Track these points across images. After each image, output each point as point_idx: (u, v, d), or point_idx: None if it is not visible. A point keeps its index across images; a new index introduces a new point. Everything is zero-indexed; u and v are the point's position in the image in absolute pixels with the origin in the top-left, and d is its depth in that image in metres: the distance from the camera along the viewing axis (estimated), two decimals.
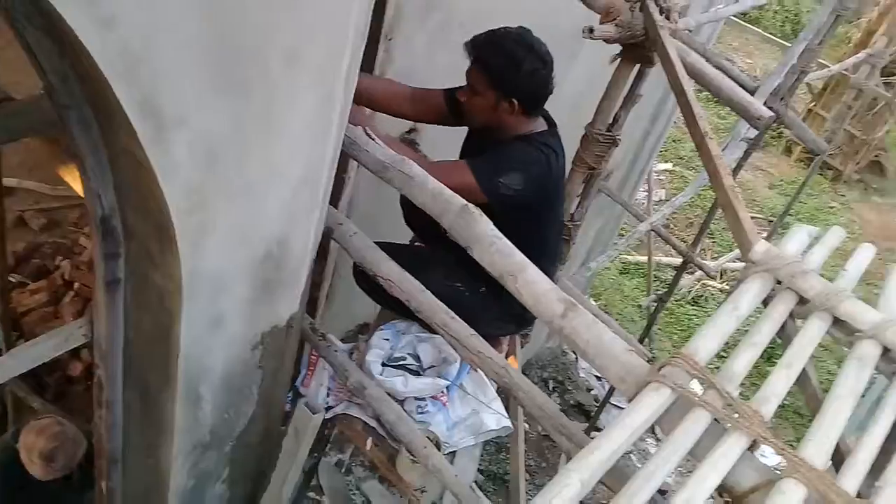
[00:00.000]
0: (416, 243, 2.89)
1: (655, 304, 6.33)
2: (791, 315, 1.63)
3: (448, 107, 2.53)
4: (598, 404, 6.47)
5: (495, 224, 1.84)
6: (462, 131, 2.67)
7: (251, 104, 1.45)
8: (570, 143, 2.74)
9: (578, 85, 4.52)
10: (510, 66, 2.22)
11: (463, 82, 2.37)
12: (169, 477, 2.16)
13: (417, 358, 2.62)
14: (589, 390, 7.28)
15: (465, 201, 1.85)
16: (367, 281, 2.56)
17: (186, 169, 1.43)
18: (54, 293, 4.08)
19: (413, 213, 2.79)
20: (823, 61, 8.83)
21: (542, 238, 2.49)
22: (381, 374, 2.46)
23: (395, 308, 2.60)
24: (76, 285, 4.12)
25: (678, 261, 6.55)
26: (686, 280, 9.34)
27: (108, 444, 2.22)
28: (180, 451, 2.11)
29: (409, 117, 2.68)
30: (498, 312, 2.46)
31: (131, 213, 1.66)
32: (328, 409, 2.53)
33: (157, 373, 1.96)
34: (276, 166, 1.66)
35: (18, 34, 1.22)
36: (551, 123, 2.48)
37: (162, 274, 1.70)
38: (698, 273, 8.79)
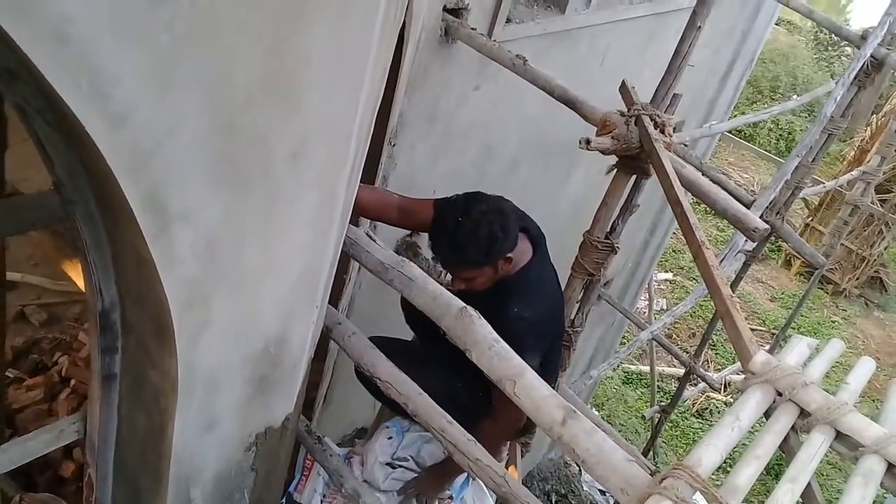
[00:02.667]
0: (417, 341, 2.87)
1: (659, 416, 6.22)
2: (794, 428, 1.61)
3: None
4: None
5: None
6: None
7: (254, 201, 1.48)
8: (570, 249, 2.78)
9: (577, 192, 4.63)
10: (483, 247, 2.24)
11: (462, 187, 2.43)
12: None
13: (421, 463, 2.56)
14: None
15: (463, 304, 1.85)
16: (368, 379, 2.54)
17: (188, 264, 1.44)
18: (50, 389, 4.02)
19: (414, 315, 2.79)
20: (818, 178, 9.03)
21: (556, 359, 2.52)
22: (384, 481, 2.40)
23: (394, 407, 2.56)
24: (73, 382, 4.07)
25: (681, 371, 6.48)
26: (690, 392, 9.21)
27: None
28: None
29: (399, 226, 2.71)
30: None
31: (131, 308, 1.66)
32: None
33: (148, 474, 1.91)
34: (276, 263, 1.67)
35: (31, 130, 1.26)
36: (536, 243, 2.46)
37: (158, 371, 1.69)
38: (702, 385, 8.69)
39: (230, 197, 1.41)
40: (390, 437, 2.54)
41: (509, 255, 2.31)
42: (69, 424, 1.99)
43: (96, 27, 1.01)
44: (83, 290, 1.70)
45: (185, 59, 1.14)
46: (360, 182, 2.07)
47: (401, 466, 2.49)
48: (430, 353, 2.49)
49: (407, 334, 2.89)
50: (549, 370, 2.55)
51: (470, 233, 2.23)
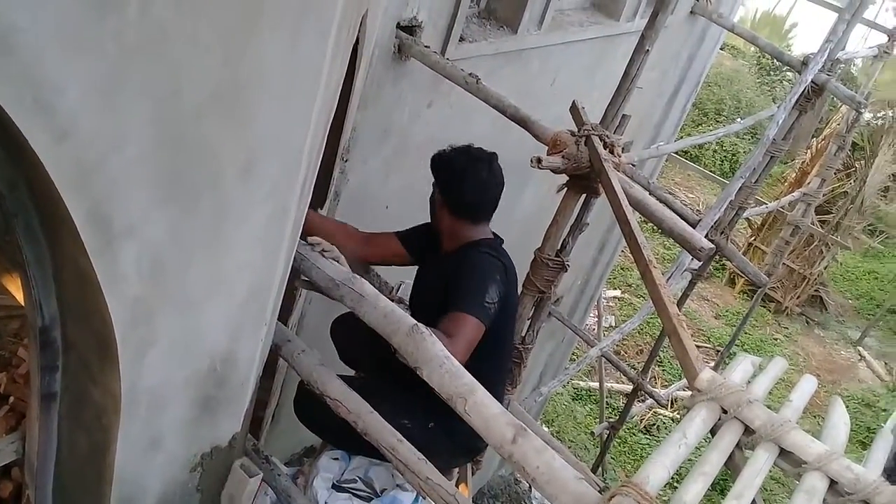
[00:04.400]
0: (361, 375, 2.83)
1: (608, 432, 6.28)
2: (739, 445, 1.64)
3: (406, 246, 2.66)
4: None
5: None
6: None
7: (202, 217, 1.45)
8: (521, 267, 2.79)
9: (528, 210, 4.67)
10: (452, 176, 2.46)
11: (415, 203, 2.47)
12: None
13: (368, 483, 2.52)
14: None
15: (414, 321, 1.85)
16: (306, 411, 2.51)
17: (132, 281, 1.40)
18: None
19: (346, 349, 2.78)
20: (761, 198, 9.28)
21: (504, 340, 2.54)
22: (327, 500, 2.35)
23: (336, 442, 2.54)
24: (11, 399, 3.92)
25: (629, 388, 6.57)
26: (637, 408, 9.32)
27: None
28: None
29: (360, 258, 2.71)
30: (449, 447, 2.40)
31: (72, 325, 1.61)
32: None
33: (89, 495, 1.85)
34: (224, 280, 1.64)
35: None
36: (496, 236, 2.59)
37: (101, 389, 1.64)
38: (649, 401, 8.81)
39: (177, 213, 1.38)
40: (336, 459, 2.50)
41: (456, 212, 2.46)
42: (7, 444, 1.92)
43: (41, 38, 0.98)
44: (22, 304, 1.65)
45: (132, 71, 1.12)
46: (313, 198, 2.07)
47: (349, 490, 2.45)
48: (374, 388, 2.47)
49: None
50: (507, 335, 2.56)
51: (454, 157, 2.49)
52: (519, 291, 2.69)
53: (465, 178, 2.43)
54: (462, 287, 2.30)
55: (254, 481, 2.22)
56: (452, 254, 2.49)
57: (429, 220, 2.62)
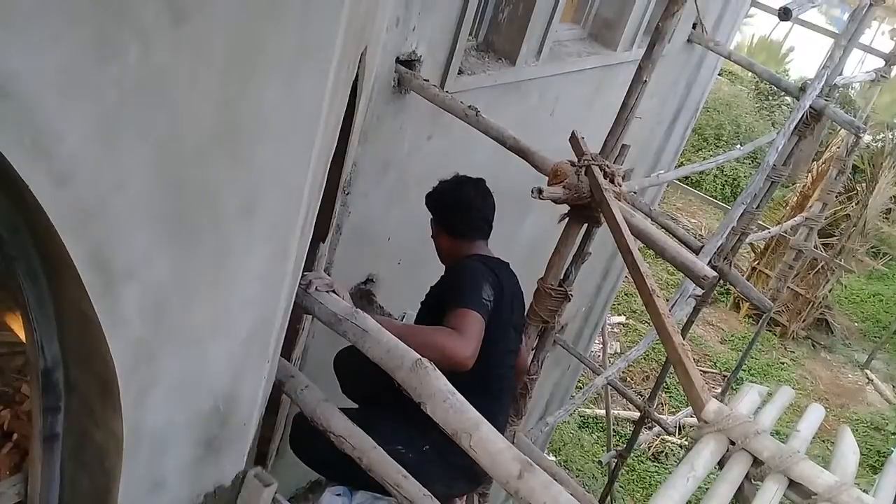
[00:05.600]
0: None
1: (616, 461, 6.22)
2: (747, 476, 1.62)
3: None
4: None
5: None
6: (419, 284, 2.72)
7: (203, 257, 1.45)
8: (525, 297, 2.79)
9: (530, 239, 4.68)
10: (438, 200, 2.71)
11: (416, 235, 2.53)
12: None
13: None
14: None
15: (418, 356, 1.84)
16: (305, 447, 2.50)
17: (134, 323, 1.40)
18: None
19: (348, 380, 2.78)
20: (763, 223, 9.29)
21: (501, 340, 2.52)
22: None
23: (335, 477, 2.52)
24: (15, 436, 3.90)
25: (636, 415, 6.51)
26: (645, 435, 9.25)
27: None
28: None
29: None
30: (444, 468, 2.38)
31: (74, 367, 1.60)
32: None
33: None
34: (226, 319, 1.64)
35: None
36: (501, 261, 2.68)
37: (103, 431, 1.63)
38: (657, 428, 8.74)
39: (178, 253, 1.38)
40: (339, 494, 2.48)
41: (448, 230, 2.67)
42: (9, 487, 1.90)
43: (40, 83, 0.99)
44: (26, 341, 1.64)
45: (132, 114, 1.12)
46: (315, 232, 2.07)
47: None
48: (367, 416, 2.45)
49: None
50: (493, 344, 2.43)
51: (441, 186, 2.74)
52: (515, 309, 2.64)
53: (455, 199, 2.68)
54: (459, 287, 2.39)
55: (268, 490, 2.18)
56: (448, 267, 2.66)
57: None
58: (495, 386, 2.55)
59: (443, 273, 2.66)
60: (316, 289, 2.13)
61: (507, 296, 2.51)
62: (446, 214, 2.70)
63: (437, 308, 2.38)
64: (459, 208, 2.67)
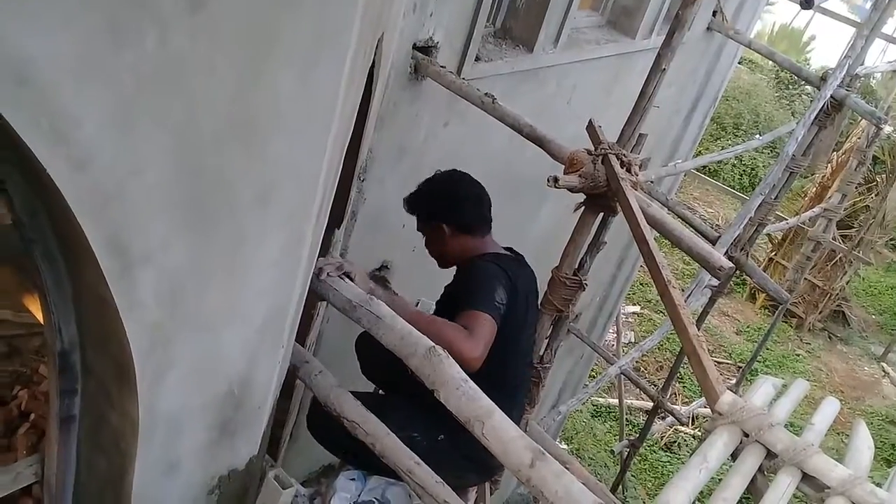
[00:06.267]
0: (379, 391, 2.85)
1: (628, 450, 6.22)
2: (760, 469, 1.61)
3: None
4: None
5: None
6: (433, 272, 2.72)
7: (219, 244, 1.46)
8: (538, 285, 2.78)
9: (546, 228, 4.66)
10: (429, 199, 2.60)
11: None
12: None
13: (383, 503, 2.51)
14: None
15: (432, 343, 1.84)
16: (321, 429, 2.51)
17: (150, 307, 1.41)
18: (9, 424, 3.89)
19: (369, 364, 2.79)
20: (781, 214, 9.21)
21: (505, 349, 2.48)
22: None
23: (351, 460, 2.54)
24: (32, 416, 3.95)
25: (649, 405, 6.51)
26: (658, 425, 9.24)
27: None
28: None
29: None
30: (458, 461, 2.39)
31: (91, 350, 1.62)
32: None
33: None
34: (241, 305, 1.65)
35: None
36: (516, 253, 2.64)
37: (119, 413, 1.65)
38: (670, 418, 8.73)
39: (195, 239, 1.39)
40: (353, 479, 2.50)
41: (454, 225, 2.54)
42: (26, 467, 1.93)
43: (58, 69, 1.00)
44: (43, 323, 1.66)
45: (149, 101, 1.13)
46: (330, 218, 2.08)
47: None
48: (385, 401, 2.47)
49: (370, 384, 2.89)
50: (508, 344, 2.45)
51: (422, 185, 2.63)
52: (530, 306, 2.64)
53: (457, 191, 2.59)
54: (471, 289, 2.34)
55: (287, 493, 2.22)
56: (463, 266, 2.56)
57: None
58: (511, 384, 2.56)
59: (455, 273, 2.60)
60: (328, 275, 2.14)
61: (522, 294, 2.49)
62: (451, 209, 2.56)
63: (451, 308, 2.35)
64: (466, 199, 2.57)
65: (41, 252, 1.44)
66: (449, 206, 2.57)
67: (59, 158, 1.08)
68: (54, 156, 1.07)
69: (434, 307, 2.69)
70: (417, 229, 2.66)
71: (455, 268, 2.62)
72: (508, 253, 2.62)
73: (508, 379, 2.51)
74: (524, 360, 2.67)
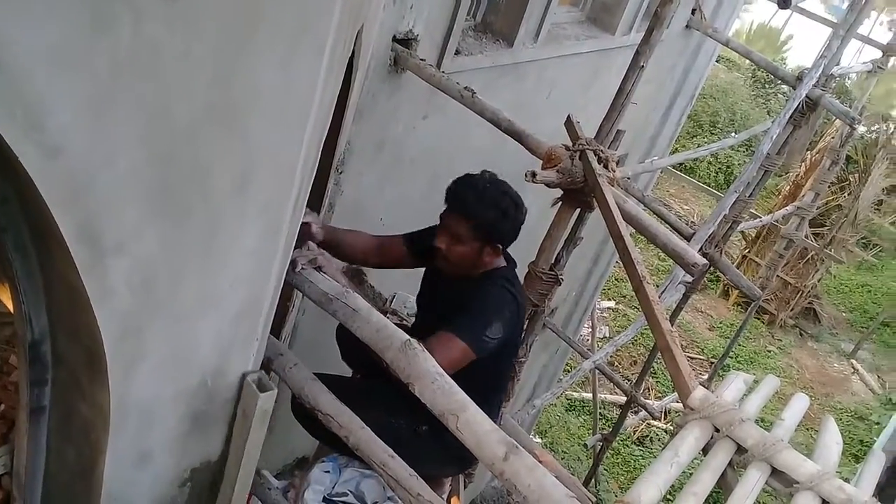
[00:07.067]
0: (358, 376, 2.84)
1: (601, 444, 6.27)
2: (731, 464, 1.63)
3: (409, 250, 2.57)
4: None
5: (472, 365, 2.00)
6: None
7: (193, 233, 1.44)
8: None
9: (525, 223, 4.67)
10: (499, 217, 2.30)
11: (409, 215, 2.42)
12: None
13: (360, 497, 2.51)
14: None
15: (407, 336, 1.84)
16: (305, 414, 2.49)
17: (122, 296, 1.40)
18: None
19: (350, 351, 2.77)
20: (755, 211, 9.31)
21: (503, 371, 2.50)
22: None
23: (333, 444, 2.52)
24: (1, 407, 3.89)
25: (623, 399, 6.56)
26: (631, 420, 9.31)
27: None
28: None
29: (373, 265, 2.69)
30: (438, 452, 2.39)
31: (62, 340, 1.60)
32: None
33: None
34: (215, 295, 1.63)
35: None
36: (509, 259, 2.51)
37: (89, 404, 1.63)
38: (643, 413, 8.81)
39: (168, 228, 1.37)
40: (327, 472, 2.49)
41: (499, 246, 2.34)
42: None
43: (31, 56, 0.98)
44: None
45: (123, 88, 1.11)
46: (307, 210, 2.06)
47: (340, 502, 2.43)
48: (369, 389, 2.46)
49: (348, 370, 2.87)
50: (504, 371, 2.52)
51: (495, 195, 2.30)
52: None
53: (515, 205, 2.33)
54: (468, 313, 2.25)
55: (265, 397, 2.01)
56: (475, 279, 2.39)
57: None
58: (496, 408, 2.60)
59: (468, 279, 2.40)
60: (301, 267, 2.12)
61: (523, 317, 2.47)
62: (508, 236, 2.36)
63: (451, 310, 2.26)
64: (518, 215, 2.35)
65: (12, 241, 1.41)
66: (509, 233, 2.35)
67: (31, 146, 1.06)
68: (27, 143, 1.05)
69: (411, 300, 2.68)
70: (444, 223, 2.37)
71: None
72: (510, 263, 2.50)
73: (497, 402, 2.54)
74: (506, 387, 2.71)
